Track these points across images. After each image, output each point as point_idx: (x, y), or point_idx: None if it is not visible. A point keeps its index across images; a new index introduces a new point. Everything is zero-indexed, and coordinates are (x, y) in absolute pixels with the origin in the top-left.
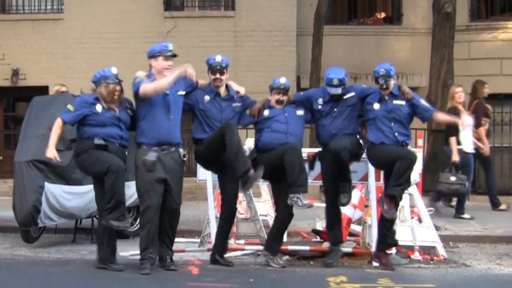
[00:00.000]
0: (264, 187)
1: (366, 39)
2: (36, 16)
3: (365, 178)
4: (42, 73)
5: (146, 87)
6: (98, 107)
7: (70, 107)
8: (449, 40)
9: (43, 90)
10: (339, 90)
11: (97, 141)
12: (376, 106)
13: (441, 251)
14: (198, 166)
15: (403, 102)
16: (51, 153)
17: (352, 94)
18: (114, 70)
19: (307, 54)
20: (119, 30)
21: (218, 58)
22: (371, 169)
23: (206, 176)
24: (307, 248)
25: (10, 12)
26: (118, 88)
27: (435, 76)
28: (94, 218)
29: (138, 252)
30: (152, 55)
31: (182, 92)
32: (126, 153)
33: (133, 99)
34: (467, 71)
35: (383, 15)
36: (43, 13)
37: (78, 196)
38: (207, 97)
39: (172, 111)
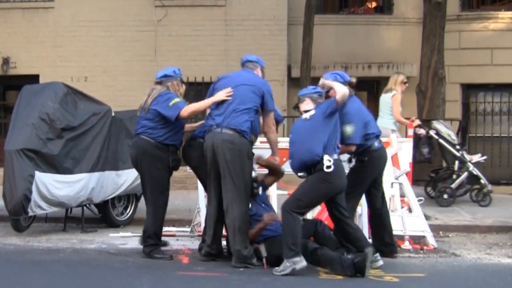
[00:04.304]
0: None
1: (357, 28)
2: (26, 5)
3: None
4: (32, 62)
5: None
6: None
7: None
8: (439, 29)
9: (34, 78)
10: None
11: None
12: None
13: (431, 240)
14: None
15: None
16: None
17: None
18: None
19: (298, 43)
20: (110, 18)
21: None
22: None
23: None
24: None
25: (0, 1)
26: None
27: (426, 65)
28: (85, 207)
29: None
30: None
31: None
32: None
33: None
34: (458, 61)
35: (374, 4)
36: (33, 2)
37: (69, 185)
38: None
39: None
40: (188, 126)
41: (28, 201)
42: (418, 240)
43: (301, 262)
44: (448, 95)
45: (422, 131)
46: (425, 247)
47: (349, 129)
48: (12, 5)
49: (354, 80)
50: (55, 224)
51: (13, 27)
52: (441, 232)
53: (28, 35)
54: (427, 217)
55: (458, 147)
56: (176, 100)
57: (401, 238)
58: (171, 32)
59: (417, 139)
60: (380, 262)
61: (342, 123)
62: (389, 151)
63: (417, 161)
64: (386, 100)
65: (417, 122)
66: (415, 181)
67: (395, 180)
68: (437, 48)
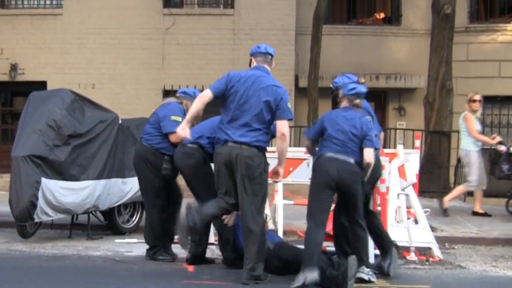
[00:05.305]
0: None
1: (365, 39)
2: (35, 11)
3: None
4: (40, 68)
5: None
6: None
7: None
8: (447, 41)
9: (41, 85)
10: None
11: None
12: None
13: (437, 252)
14: None
15: None
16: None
17: None
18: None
19: (305, 53)
20: (118, 26)
21: None
22: None
23: None
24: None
25: (9, 7)
26: None
27: (434, 77)
28: (90, 214)
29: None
30: None
31: None
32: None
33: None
34: (466, 73)
35: (382, 15)
36: (42, 8)
37: (75, 192)
38: None
39: None
40: None
41: (34, 208)
42: (424, 251)
43: (311, 274)
44: (456, 107)
45: (503, 148)
46: (430, 259)
47: None
48: (21, 12)
49: (362, 80)
50: (61, 230)
51: (21, 33)
52: (447, 244)
53: (36, 42)
54: (433, 229)
55: None
56: (179, 119)
57: (407, 249)
58: (179, 40)
59: (497, 155)
60: (362, 275)
61: None
62: (396, 163)
63: (497, 177)
64: (460, 121)
65: (498, 138)
66: (421, 193)
67: (402, 191)
68: (445, 60)
